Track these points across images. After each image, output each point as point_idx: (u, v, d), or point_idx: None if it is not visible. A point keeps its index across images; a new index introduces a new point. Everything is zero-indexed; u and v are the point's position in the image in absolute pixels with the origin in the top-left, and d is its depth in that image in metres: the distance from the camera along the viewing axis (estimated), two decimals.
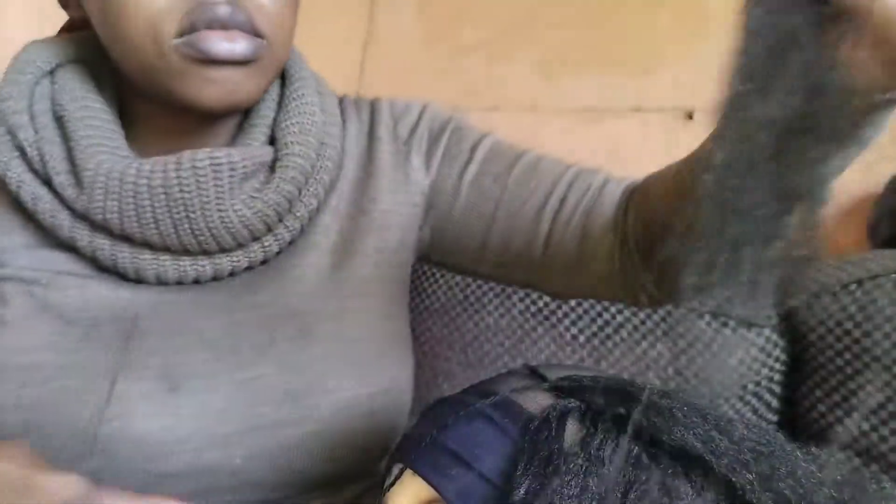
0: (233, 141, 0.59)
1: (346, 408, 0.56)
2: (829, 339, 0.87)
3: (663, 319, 0.97)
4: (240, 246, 0.55)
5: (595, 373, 0.43)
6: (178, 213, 0.51)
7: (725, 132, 0.35)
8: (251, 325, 0.56)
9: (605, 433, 0.36)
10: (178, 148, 0.56)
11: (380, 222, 0.63)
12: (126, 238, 0.53)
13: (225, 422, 0.53)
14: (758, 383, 0.93)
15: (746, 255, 0.34)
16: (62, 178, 0.52)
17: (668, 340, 0.97)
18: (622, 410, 0.37)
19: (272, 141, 0.59)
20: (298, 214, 0.58)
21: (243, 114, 0.61)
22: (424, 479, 0.38)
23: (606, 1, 1.37)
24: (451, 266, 0.69)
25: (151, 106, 0.56)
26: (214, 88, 0.51)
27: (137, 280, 0.55)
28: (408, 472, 0.39)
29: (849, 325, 0.85)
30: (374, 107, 0.69)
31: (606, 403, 0.38)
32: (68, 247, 0.55)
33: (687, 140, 1.27)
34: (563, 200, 0.60)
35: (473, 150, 0.65)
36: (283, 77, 0.63)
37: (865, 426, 0.83)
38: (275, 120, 0.59)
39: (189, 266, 0.54)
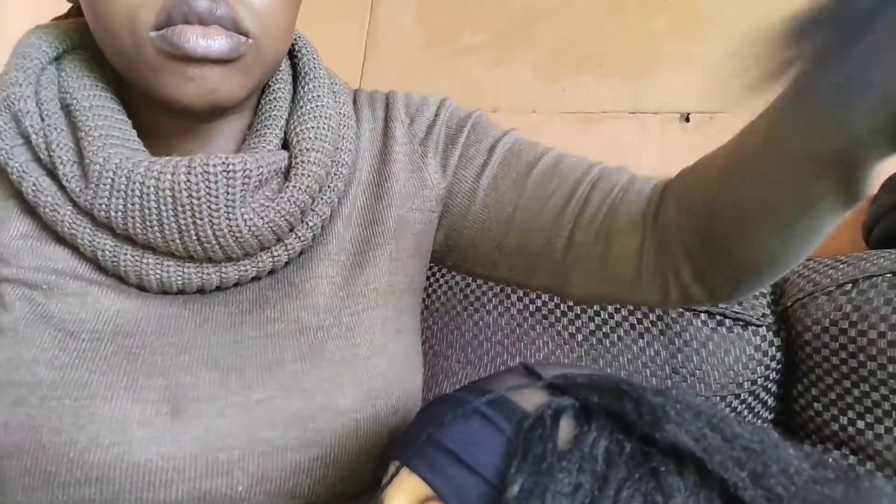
0: (244, 142, 0.56)
1: (355, 430, 0.53)
2: (825, 337, 0.87)
3: (659, 318, 0.98)
4: (247, 255, 0.52)
5: (590, 371, 0.43)
6: (184, 217, 0.48)
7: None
8: (258, 343, 0.53)
9: (599, 431, 0.37)
10: (183, 146, 0.55)
11: (394, 229, 0.60)
12: (129, 239, 0.51)
13: (228, 448, 0.50)
14: (754, 382, 0.94)
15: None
16: (68, 169, 0.49)
17: (665, 339, 0.97)
18: (616, 408, 0.37)
19: (284, 143, 0.56)
20: (311, 224, 0.55)
21: (253, 113, 0.58)
22: (421, 476, 0.38)
23: (604, 4, 1.38)
24: (466, 270, 0.66)
25: (149, 102, 0.53)
26: (191, 86, 0.48)
27: (139, 286, 0.52)
28: (404, 470, 0.39)
29: (844, 324, 0.85)
30: (389, 102, 0.65)
31: (600, 401, 0.38)
32: (68, 243, 0.52)
33: (683, 142, 1.28)
34: (586, 200, 0.58)
35: (491, 150, 0.62)
36: (294, 74, 0.60)
37: (860, 424, 0.84)
38: (287, 121, 0.57)
39: (194, 273, 0.51)
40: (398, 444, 0.42)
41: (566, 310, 1.05)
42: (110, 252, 0.51)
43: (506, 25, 1.48)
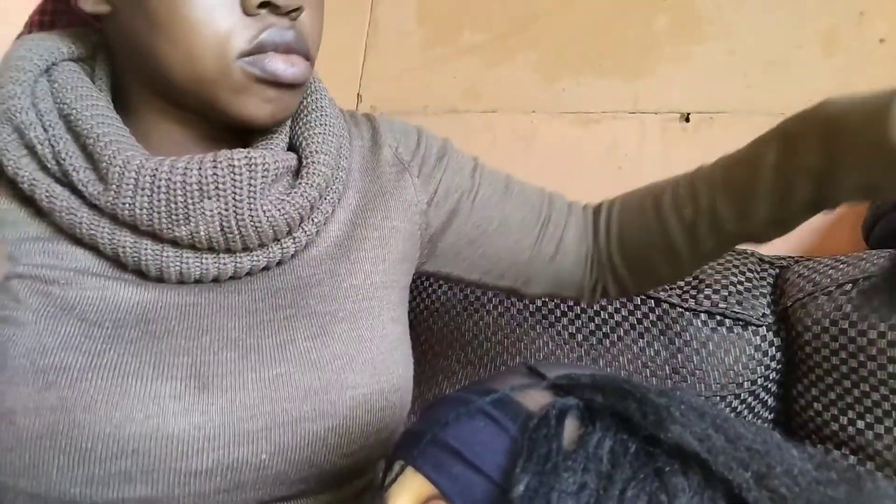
0: (247, 146, 0.60)
1: (363, 403, 0.58)
2: (825, 337, 0.87)
3: (660, 318, 0.98)
4: (261, 246, 0.56)
5: (592, 371, 0.43)
6: (210, 209, 0.52)
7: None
8: (273, 326, 0.56)
9: (604, 431, 0.37)
10: (187, 151, 0.58)
11: (384, 235, 0.66)
12: (150, 234, 0.53)
13: (252, 418, 0.53)
14: (754, 382, 0.94)
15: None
16: (83, 175, 0.52)
17: (665, 339, 0.98)
18: (619, 408, 0.37)
19: (289, 147, 0.61)
20: (316, 220, 0.59)
21: None
22: (425, 476, 0.38)
23: (604, 4, 1.38)
24: (442, 276, 0.76)
25: (174, 111, 0.56)
26: (270, 107, 0.54)
27: (158, 278, 0.55)
28: (409, 469, 0.39)
29: (844, 323, 0.85)
30: (373, 124, 0.73)
31: (604, 402, 0.38)
32: (86, 244, 0.54)
33: (683, 142, 1.28)
34: (548, 218, 0.74)
35: (472, 175, 0.73)
36: None
37: (860, 424, 0.84)
38: (291, 127, 0.62)
39: (211, 263, 0.55)
40: (402, 443, 0.42)
41: (566, 310, 1.05)
42: (131, 248, 0.53)
43: (506, 25, 1.48)
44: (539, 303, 1.07)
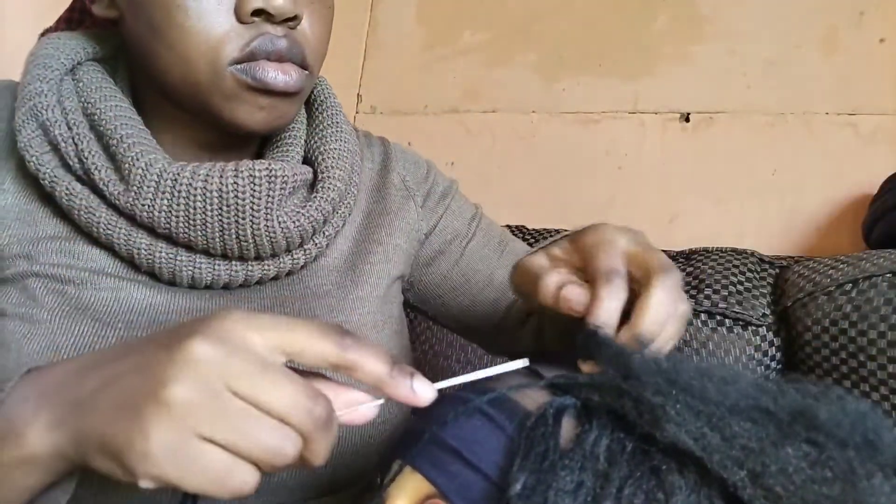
0: (260, 157, 0.61)
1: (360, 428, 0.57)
2: (825, 337, 0.87)
3: None
4: (273, 256, 0.57)
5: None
6: (227, 218, 0.52)
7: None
8: None
9: (601, 429, 0.37)
10: (206, 157, 0.59)
11: (387, 251, 0.68)
12: (166, 238, 0.54)
13: None
14: None
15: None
16: (104, 175, 0.52)
17: None
18: (616, 407, 0.37)
19: (305, 161, 0.62)
20: (327, 233, 0.60)
21: None
22: (423, 475, 0.38)
23: (604, 4, 1.38)
24: (417, 310, 0.78)
25: (181, 115, 0.57)
26: (263, 114, 0.54)
27: (170, 282, 0.56)
28: (407, 468, 0.39)
29: (844, 324, 0.85)
30: (385, 149, 0.74)
31: (601, 400, 0.38)
32: (102, 244, 0.55)
33: (683, 142, 1.28)
34: None
35: (471, 222, 0.76)
36: (307, 98, 0.65)
37: None
38: (306, 140, 0.63)
39: (223, 270, 0.55)
40: (400, 442, 0.42)
41: None
42: (146, 250, 0.54)
43: (506, 25, 1.48)
44: None
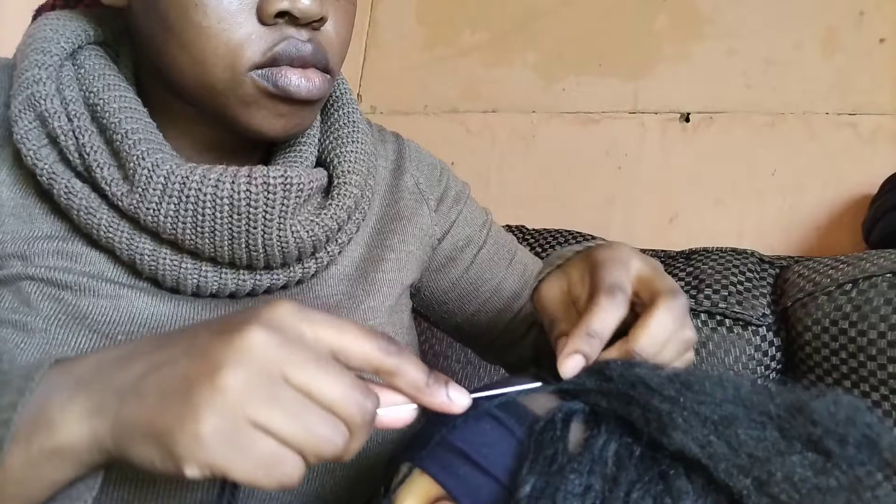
0: (272, 158, 0.58)
1: (374, 436, 0.54)
2: (825, 337, 0.87)
3: None
4: (284, 265, 0.54)
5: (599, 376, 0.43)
6: (238, 226, 0.49)
7: None
8: None
9: (609, 434, 0.37)
10: (214, 156, 0.56)
11: (399, 258, 0.65)
12: (171, 244, 0.51)
13: None
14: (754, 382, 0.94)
15: None
16: (107, 173, 0.48)
17: None
18: (623, 414, 0.38)
19: (318, 162, 0.59)
20: (339, 241, 0.57)
21: None
22: (433, 477, 0.38)
23: (604, 4, 1.38)
24: (419, 314, 0.76)
25: (190, 112, 0.53)
26: (282, 122, 0.50)
27: (174, 290, 0.52)
28: (416, 471, 0.39)
29: (844, 323, 0.85)
30: (399, 147, 0.71)
31: (609, 406, 0.38)
32: (102, 246, 0.51)
33: (683, 142, 1.29)
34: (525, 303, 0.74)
35: (482, 228, 0.74)
36: None
37: None
38: (320, 140, 0.59)
39: (230, 279, 0.52)
40: (409, 445, 0.42)
41: None
42: (149, 256, 0.50)
43: (506, 25, 1.48)
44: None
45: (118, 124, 0.49)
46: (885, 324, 0.81)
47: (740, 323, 0.95)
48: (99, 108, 0.50)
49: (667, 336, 0.44)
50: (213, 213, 0.49)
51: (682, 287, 1.00)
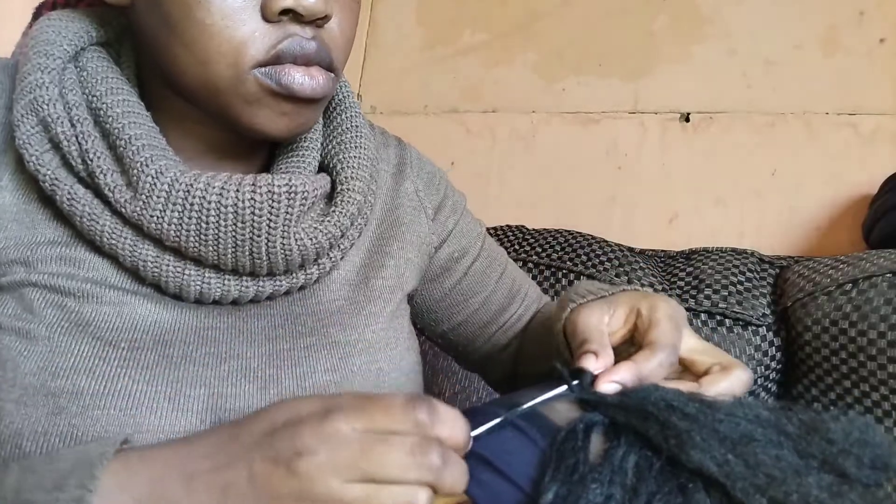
0: (274, 162, 0.58)
1: None
2: (825, 337, 0.87)
3: None
4: (286, 272, 0.54)
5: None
6: (242, 234, 0.49)
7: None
8: (292, 355, 0.54)
9: (629, 446, 0.38)
10: (215, 157, 0.56)
11: (398, 265, 0.65)
12: (174, 251, 0.51)
13: None
14: (754, 381, 0.94)
15: None
16: (110, 179, 0.48)
17: None
18: (641, 430, 0.38)
19: (321, 167, 0.59)
20: (342, 247, 0.57)
21: None
22: None
23: (604, 4, 1.38)
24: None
25: (192, 112, 0.53)
26: (286, 121, 0.50)
27: (176, 296, 0.53)
28: None
29: (844, 323, 0.85)
30: (401, 152, 0.71)
31: (627, 422, 0.39)
32: (105, 253, 0.51)
33: (683, 142, 1.29)
34: (518, 315, 0.77)
35: (477, 240, 0.75)
36: None
37: None
38: (323, 144, 0.59)
39: (234, 286, 0.52)
40: None
41: None
42: (152, 262, 0.50)
43: (506, 25, 1.48)
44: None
45: (121, 130, 0.49)
46: (885, 324, 0.81)
47: (740, 323, 0.95)
48: (102, 112, 0.50)
49: (738, 396, 0.48)
50: (218, 221, 0.48)
51: (682, 287, 1.00)
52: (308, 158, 0.57)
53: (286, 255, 0.51)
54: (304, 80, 0.48)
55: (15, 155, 0.51)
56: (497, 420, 0.40)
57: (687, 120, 1.29)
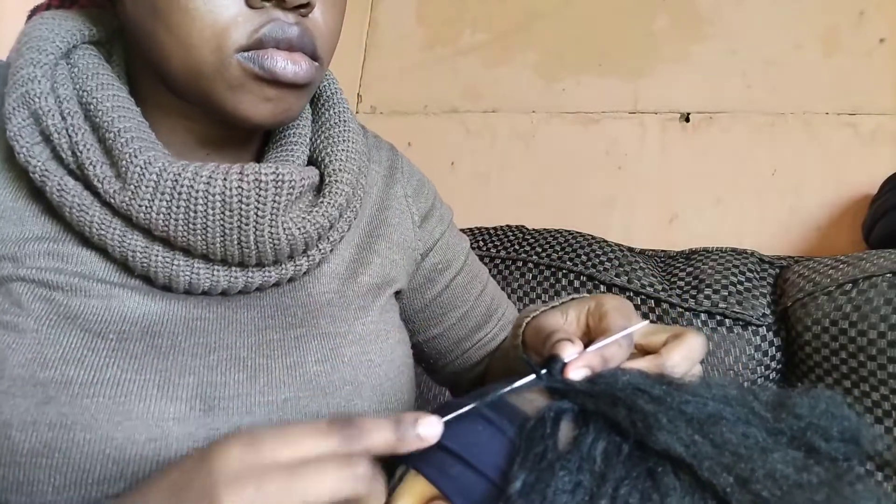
0: (264, 156, 0.59)
1: None
2: (825, 337, 0.87)
3: (660, 318, 0.98)
4: (275, 262, 0.54)
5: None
6: (230, 223, 0.50)
7: None
8: (283, 345, 0.55)
9: (598, 433, 0.38)
10: (205, 152, 0.56)
11: (384, 263, 0.66)
12: (163, 241, 0.51)
13: None
14: (754, 382, 0.94)
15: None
16: (99, 171, 0.49)
17: None
18: (610, 415, 0.38)
19: (310, 161, 0.59)
20: (331, 239, 0.58)
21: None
22: (426, 477, 0.39)
23: (604, 4, 1.38)
24: None
25: (181, 105, 0.54)
26: (269, 107, 0.51)
27: (165, 287, 0.53)
28: (410, 472, 0.40)
29: (844, 323, 0.85)
30: (393, 157, 0.72)
31: (596, 408, 0.39)
32: (94, 245, 0.52)
33: (683, 141, 1.29)
34: (493, 335, 0.78)
35: (461, 254, 0.76)
36: (312, 94, 0.62)
37: None
38: (311, 139, 0.60)
39: (223, 276, 0.53)
40: None
41: None
42: (141, 253, 0.51)
43: (506, 25, 1.49)
44: (539, 302, 1.07)
45: (111, 123, 0.49)
46: (885, 324, 0.81)
47: (740, 323, 0.95)
48: (92, 106, 0.50)
49: (695, 358, 0.50)
50: (205, 210, 0.49)
51: (682, 287, 1.00)
52: (297, 151, 0.57)
53: (274, 245, 0.52)
54: (286, 64, 0.49)
55: (4, 152, 0.52)
56: (465, 409, 0.40)
57: (687, 120, 1.29)
